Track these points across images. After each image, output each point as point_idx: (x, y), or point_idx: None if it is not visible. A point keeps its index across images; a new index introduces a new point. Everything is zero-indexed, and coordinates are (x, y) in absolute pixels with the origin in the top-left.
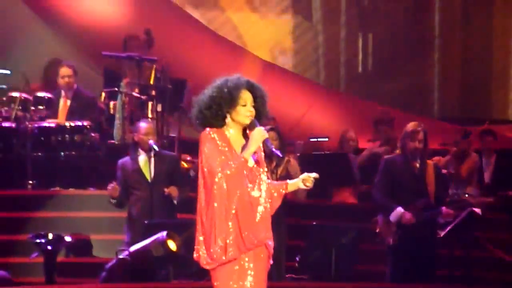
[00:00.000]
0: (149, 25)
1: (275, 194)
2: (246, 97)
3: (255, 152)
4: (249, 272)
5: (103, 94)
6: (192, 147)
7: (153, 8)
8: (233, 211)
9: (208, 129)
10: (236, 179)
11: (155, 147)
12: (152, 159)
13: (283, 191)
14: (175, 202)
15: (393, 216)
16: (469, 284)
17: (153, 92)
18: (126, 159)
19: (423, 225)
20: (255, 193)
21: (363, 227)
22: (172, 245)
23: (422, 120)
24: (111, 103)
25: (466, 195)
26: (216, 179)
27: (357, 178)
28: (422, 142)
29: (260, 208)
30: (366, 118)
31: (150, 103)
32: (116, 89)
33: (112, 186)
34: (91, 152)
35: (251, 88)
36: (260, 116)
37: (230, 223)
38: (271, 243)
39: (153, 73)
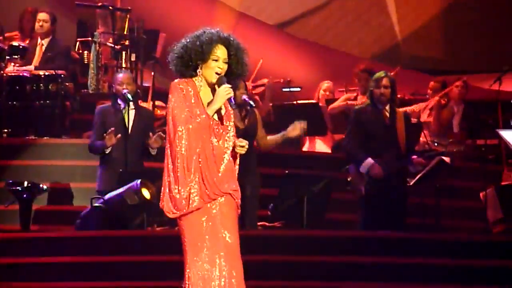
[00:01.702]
0: None
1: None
2: (219, 52)
3: (221, 108)
4: (215, 222)
5: (78, 44)
6: (166, 97)
7: None
8: (196, 163)
9: (177, 80)
10: (198, 133)
11: (129, 96)
12: (131, 112)
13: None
14: (153, 153)
15: (363, 167)
16: (439, 232)
17: (127, 42)
18: (106, 106)
19: (394, 174)
20: (219, 146)
21: (335, 176)
22: (146, 193)
23: (391, 70)
24: (85, 53)
25: (436, 144)
26: (179, 132)
27: (328, 128)
28: (387, 87)
29: (224, 161)
30: (341, 68)
31: (124, 53)
32: (90, 38)
33: (110, 134)
34: (66, 101)
35: (228, 44)
36: (234, 74)
37: (192, 175)
38: (236, 193)
39: (127, 23)
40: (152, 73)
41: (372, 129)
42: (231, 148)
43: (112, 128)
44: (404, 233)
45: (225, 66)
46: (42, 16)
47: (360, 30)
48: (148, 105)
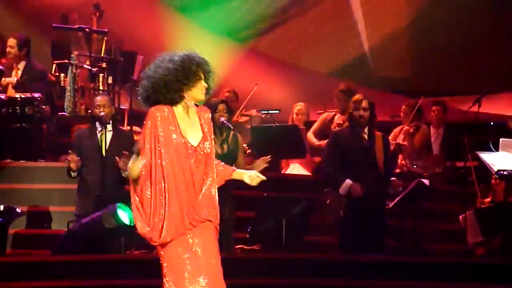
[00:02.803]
0: None
1: (219, 176)
2: (200, 72)
3: (202, 131)
4: (194, 248)
5: (54, 66)
6: (143, 119)
7: None
8: (172, 192)
9: (153, 108)
10: (170, 167)
11: (106, 119)
12: (108, 133)
13: (227, 178)
14: (123, 175)
15: (342, 189)
16: (418, 255)
17: (104, 65)
18: (83, 130)
19: (373, 196)
20: (199, 171)
21: (314, 198)
22: (123, 216)
23: (370, 92)
24: (62, 75)
25: (415, 166)
26: (152, 162)
27: (307, 151)
28: (366, 110)
29: (205, 186)
30: (316, 90)
31: (101, 75)
32: (67, 61)
33: (72, 157)
34: (42, 124)
35: (204, 63)
36: (209, 92)
37: (166, 206)
38: (215, 218)
39: (103, 46)
40: (129, 96)
41: (350, 152)
42: (210, 173)
43: (69, 151)
44: (382, 256)
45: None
46: (9, 42)
47: (330, 49)
48: (125, 129)
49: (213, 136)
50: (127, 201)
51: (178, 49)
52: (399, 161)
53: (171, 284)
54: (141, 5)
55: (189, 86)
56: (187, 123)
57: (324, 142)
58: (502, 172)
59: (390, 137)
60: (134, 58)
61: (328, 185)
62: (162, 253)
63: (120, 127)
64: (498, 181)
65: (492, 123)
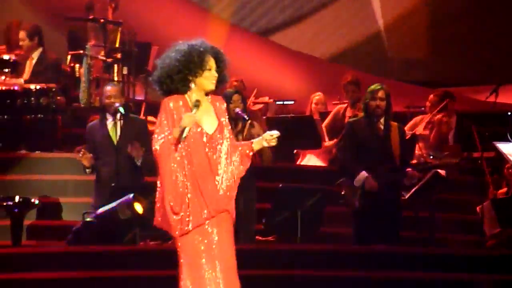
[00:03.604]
0: None
1: (241, 158)
2: (211, 63)
3: (218, 119)
4: (211, 237)
5: (69, 57)
6: (158, 110)
7: None
8: (186, 183)
9: (166, 98)
10: (187, 157)
11: (121, 110)
12: (119, 123)
13: (250, 152)
14: (138, 163)
15: (357, 181)
16: (433, 246)
17: (119, 55)
18: (95, 122)
19: (388, 187)
20: (215, 160)
21: (329, 189)
22: (138, 207)
23: (385, 82)
24: (77, 66)
25: (431, 157)
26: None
27: (323, 141)
28: (383, 100)
29: (219, 177)
30: (333, 81)
31: (116, 66)
32: (82, 51)
33: (82, 154)
34: (57, 115)
35: (215, 53)
36: (222, 82)
37: (186, 197)
38: (232, 209)
39: (118, 36)
40: (144, 87)
41: (366, 142)
42: (224, 160)
43: (80, 149)
44: (398, 246)
45: (216, 75)
46: (20, 35)
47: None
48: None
49: (229, 127)
50: (142, 192)
51: (192, 39)
52: (416, 151)
53: (187, 275)
54: None
55: (194, 75)
56: (201, 112)
57: (332, 142)
58: None
59: (408, 127)
60: (148, 49)
61: (343, 176)
62: (179, 244)
63: (132, 115)
64: None
65: (509, 113)
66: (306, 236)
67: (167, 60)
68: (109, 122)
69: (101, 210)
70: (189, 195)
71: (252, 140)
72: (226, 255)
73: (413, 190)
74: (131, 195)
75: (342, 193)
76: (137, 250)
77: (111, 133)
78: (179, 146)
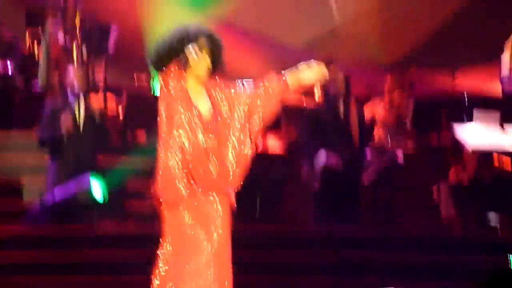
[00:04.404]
0: None
1: (272, 96)
2: (202, 43)
3: (211, 101)
4: (202, 221)
5: (28, 37)
6: (118, 91)
7: None
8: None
9: (168, 75)
10: (184, 139)
11: (80, 91)
12: (81, 104)
13: (285, 91)
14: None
15: (317, 160)
16: (392, 228)
17: (79, 36)
18: (57, 101)
19: (348, 170)
20: (213, 144)
21: (289, 170)
22: (96, 189)
23: (346, 65)
24: (35, 46)
25: (390, 140)
26: (173, 131)
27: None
28: (342, 82)
29: (214, 157)
30: (292, 62)
31: (75, 47)
32: (40, 32)
33: (66, 117)
34: (15, 94)
35: (209, 36)
36: (216, 66)
37: (182, 170)
38: (227, 191)
39: (78, 17)
40: (104, 68)
41: (326, 124)
42: (229, 143)
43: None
44: (357, 228)
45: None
46: None
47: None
48: (99, 99)
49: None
50: (100, 173)
51: (152, 20)
52: (374, 133)
53: (169, 248)
54: None
55: (183, 55)
56: (197, 96)
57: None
58: (476, 147)
59: (367, 108)
60: (109, 29)
61: (303, 157)
62: (166, 220)
63: (93, 98)
64: (471, 155)
65: (466, 96)
66: (265, 216)
67: (161, 42)
68: (71, 102)
69: (59, 191)
70: (182, 176)
71: (283, 77)
72: (218, 236)
73: (372, 172)
74: (90, 177)
75: (302, 174)
76: (95, 231)
77: (74, 113)
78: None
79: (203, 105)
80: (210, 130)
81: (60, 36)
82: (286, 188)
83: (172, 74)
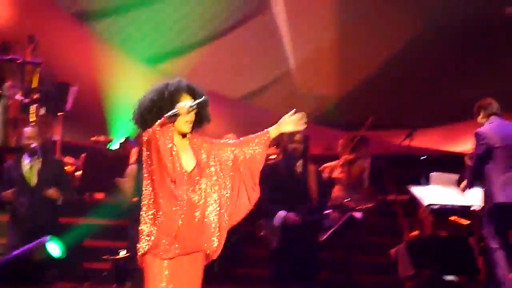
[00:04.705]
0: (33, 29)
1: (256, 151)
2: (186, 102)
3: (195, 156)
4: (178, 273)
5: None
6: (75, 151)
7: (37, 12)
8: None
9: (157, 129)
10: (164, 192)
11: (37, 151)
12: (37, 164)
13: (267, 141)
14: (59, 203)
15: (276, 220)
16: (350, 287)
17: (36, 96)
18: (11, 163)
19: (306, 229)
20: (193, 199)
21: (247, 230)
22: (54, 249)
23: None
24: None
25: (348, 200)
26: (150, 183)
27: None
28: (301, 142)
29: (198, 213)
30: (244, 121)
31: (33, 107)
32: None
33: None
34: None
35: (192, 92)
36: (202, 121)
37: (153, 226)
38: (205, 248)
39: (36, 76)
40: (62, 127)
41: (284, 184)
42: (203, 198)
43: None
44: (315, 287)
45: (193, 116)
46: None
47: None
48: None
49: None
50: (59, 232)
51: (109, 80)
52: (332, 194)
53: None
54: (75, 36)
55: (162, 116)
56: (180, 150)
57: None
58: (432, 206)
59: (325, 170)
60: (67, 89)
61: (262, 217)
62: (145, 263)
63: (50, 157)
64: (426, 214)
65: (424, 157)
66: (223, 276)
67: (143, 99)
68: (26, 163)
69: (16, 251)
70: (164, 229)
71: (267, 130)
72: None
73: (330, 232)
74: (47, 237)
75: (261, 234)
76: None
77: (27, 174)
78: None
79: (187, 160)
80: (194, 184)
81: (19, 96)
82: (245, 249)
83: (157, 131)
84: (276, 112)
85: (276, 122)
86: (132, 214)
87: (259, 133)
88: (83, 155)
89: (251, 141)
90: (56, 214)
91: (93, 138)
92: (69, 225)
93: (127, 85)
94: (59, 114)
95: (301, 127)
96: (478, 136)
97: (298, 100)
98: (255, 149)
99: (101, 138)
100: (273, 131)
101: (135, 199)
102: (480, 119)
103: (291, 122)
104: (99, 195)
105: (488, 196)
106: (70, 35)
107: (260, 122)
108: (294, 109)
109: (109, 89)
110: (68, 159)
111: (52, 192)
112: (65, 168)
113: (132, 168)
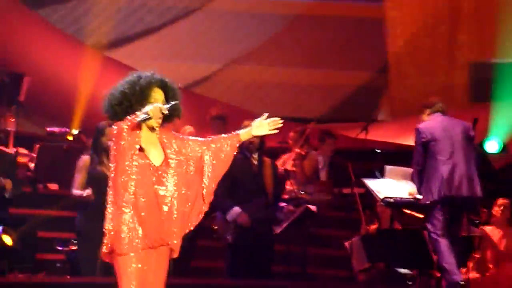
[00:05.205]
0: None
1: (224, 153)
2: (157, 96)
3: (163, 151)
4: (146, 267)
5: None
6: (28, 141)
7: None
8: (136, 210)
9: (124, 125)
10: (134, 186)
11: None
12: None
13: (236, 143)
14: (7, 195)
15: (230, 216)
16: (304, 280)
17: None
18: None
19: (261, 222)
20: (161, 192)
21: (201, 223)
22: (7, 239)
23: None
24: None
25: (303, 193)
26: (118, 179)
27: None
28: (258, 137)
29: (165, 208)
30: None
31: None
32: None
33: None
34: None
35: (164, 87)
36: (173, 116)
37: (126, 220)
38: (171, 242)
39: None
40: (15, 118)
41: (239, 177)
42: (171, 193)
43: None
44: (270, 281)
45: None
46: None
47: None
48: (10, 151)
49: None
50: (10, 223)
51: (65, 70)
52: (287, 187)
53: None
54: (31, 25)
55: (140, 108)
56: (148, 144)
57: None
58: (387, 199)
59: (278, 163)
60: (20, 79)
61: (216, 210)
62: (118, 263)
63: (1, 148)
64: (383, 208)
65: (378, 150)
66: (177, 269)
67: (113, 90)
68: None
69: None
70: (131, 224)
71: (237, 132)
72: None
73: (285, 224)
74: (0, 227)
75: (215, 227)
76: (5, 282)
77: None
78: (130, 177)
79: (156, 155)
80: (161, 179)
81: None
82: (200, 242)
83: (125, 131)
84: (221, 102)
85: (220, 112)
86: (80, 206)
87: (229, 134)
88: (37, 146)
89: (221, 143)
90: (6, 205)
91: (48, 129)
92: (22, 216)
93: (84, 75)
94: (13, 105)
95: (273, 131)
96: (418, 132)
97: (244, 90)
98: (225, 152)
99: (56, 129)
100: (244, 135)
101: (88, 191)
102: (425, 117)
103: (263, 126)
104: (53, 186)
105: (431, 189)
106: (24, 24)
107: (205, 111)
108: (267, 113)
109: (65, 79)
110: (22, 150)
111: (6, 182)
112: (18, 159)
113: (84, 160)
